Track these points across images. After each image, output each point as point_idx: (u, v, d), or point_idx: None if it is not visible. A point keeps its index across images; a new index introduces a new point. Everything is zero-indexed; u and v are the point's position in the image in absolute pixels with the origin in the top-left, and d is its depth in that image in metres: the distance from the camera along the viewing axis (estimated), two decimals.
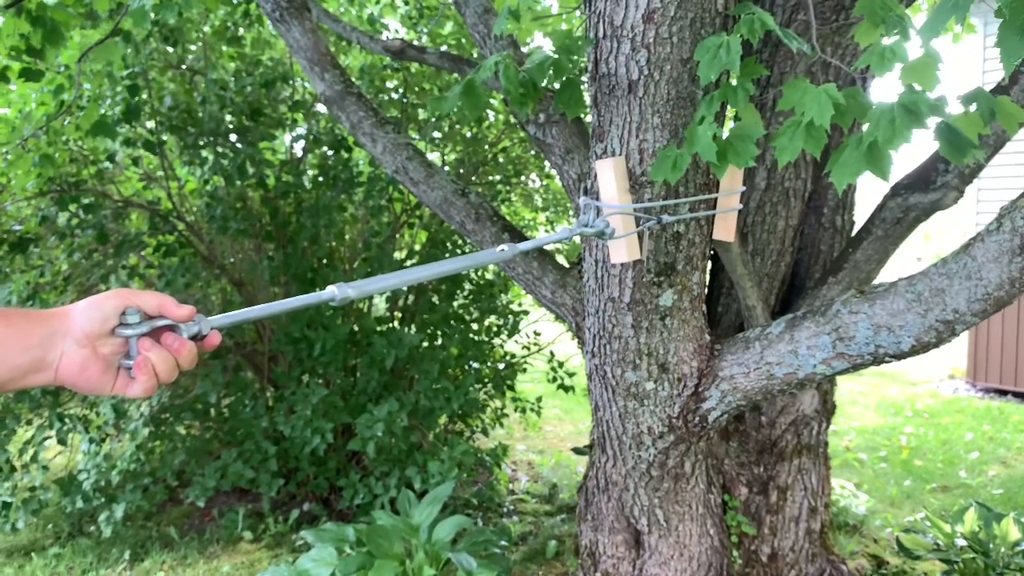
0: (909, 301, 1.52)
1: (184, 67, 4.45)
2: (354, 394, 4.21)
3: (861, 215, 2.54)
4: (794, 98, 1.52)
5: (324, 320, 4.13)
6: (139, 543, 4.05)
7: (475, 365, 4.51)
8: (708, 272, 2.67)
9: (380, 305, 4.96)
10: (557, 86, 1.89)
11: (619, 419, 2.14)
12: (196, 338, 0.90)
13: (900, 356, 1.58)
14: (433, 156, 4.93)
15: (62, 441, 3.97)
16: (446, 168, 4.71)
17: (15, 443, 3.98)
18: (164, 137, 4.25)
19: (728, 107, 1.79)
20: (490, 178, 4.92)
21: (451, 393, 3.88)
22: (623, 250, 1.80)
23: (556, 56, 1.80)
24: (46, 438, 3.92)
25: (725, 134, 1.60)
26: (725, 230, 1.90)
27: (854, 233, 2.40)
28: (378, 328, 4.08)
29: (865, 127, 1.46)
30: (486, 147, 4.87)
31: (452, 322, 4.36)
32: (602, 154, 1.87)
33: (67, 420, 3.93)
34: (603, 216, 1.77)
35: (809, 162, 2.43)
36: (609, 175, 1.79)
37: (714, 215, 1.88)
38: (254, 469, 4.09)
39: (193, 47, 4.59)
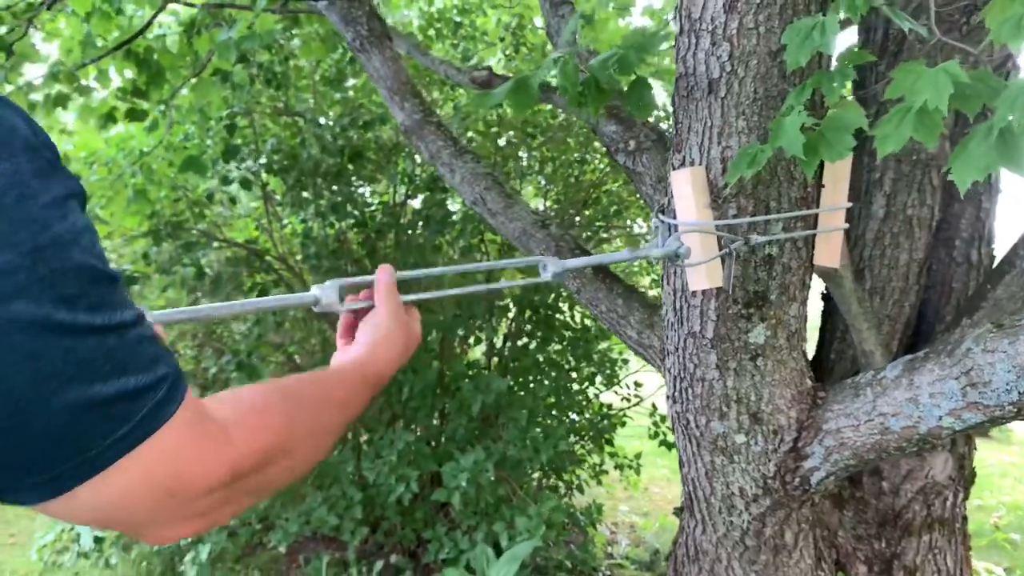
0: None
1: (293, 113, 4.52)
2: (443, 441, 4.04)
3: (1002, 248, 2.16)
4: (906, 84, 1.25)
5: (413, 362, 4.00)
6: None
7: (573, 416, 4.25)
8: (821, 313, 2.35)
9: (477, 349, 4.80)
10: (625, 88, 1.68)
11: (706, 478, 1.85)
12: None
13: None
14: (539, 202, 4.79)
15: None
16: (545, 207, 4.55)
17: None
18: (267, 178, 4.30)
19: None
20: (594, 221, 4.72)
21: (540, 444, 3.63)
22: (703, 275, 1.54)
23: (623, 52, 1.59)
24: None
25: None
26: (828, 254, 1.61)
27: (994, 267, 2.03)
28: (468, 372, 3.90)
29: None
30: (588, 190, 4.68)
31: (545, 368, 4.13)
32: (680, 166, 1.63)
33: None
34: (677, 235, 1.53)
35: (937, 186, 2.09)
36: (686, 188, 1.55)
37: (814, 235, 1.60)
38: (339, 516, 3.96)
39: (303, 94, 4.68)
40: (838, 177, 1.57)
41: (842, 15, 1.38)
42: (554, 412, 4.03)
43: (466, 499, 3.70)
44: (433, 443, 4.04)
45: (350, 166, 4.29)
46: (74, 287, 0.50)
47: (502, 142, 4.44)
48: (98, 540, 3.88)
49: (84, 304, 0.51)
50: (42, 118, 3.01)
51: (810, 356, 2.19)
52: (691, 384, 1.74)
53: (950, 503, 2.13)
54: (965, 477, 2.18)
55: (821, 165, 1.59)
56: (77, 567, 4.13)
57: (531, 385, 3.97)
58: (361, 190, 4.62)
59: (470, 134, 4.33)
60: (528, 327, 4.19)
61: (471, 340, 4.49)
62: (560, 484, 4.37)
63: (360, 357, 0.91)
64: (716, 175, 1.56)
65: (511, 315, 4.35)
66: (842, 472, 1.66)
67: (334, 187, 4.17)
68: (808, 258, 1.62)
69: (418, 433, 4.07)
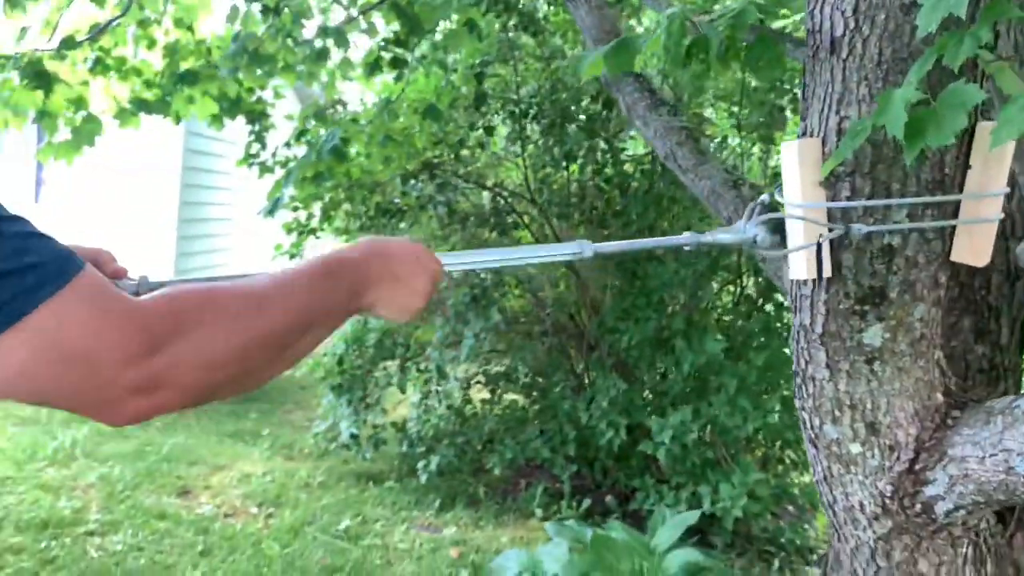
0: None
1: (548, 59, 4.60)
2: (660, 395, 4.00)
3: None
4: None
5: (637, 312, 3.97)
6: (451, 495, 4.37)
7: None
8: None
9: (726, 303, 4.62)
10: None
11: (826, 484, 1.66)
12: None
13: None
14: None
15: (401, 388, 4.49)
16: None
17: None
18: (526, 123, 4.46)
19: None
20: None
21: (748, 413, 3.45)
22: (803, 263, 1.38)
23: (741, 7, 1.42)
24: (388, 384, 4.47)
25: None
26: (972, 249, 1.32)
27: None
28: (684, 329, 3.79)
29: None
30: None
31: (781, 333, 3.87)
32: (802, 136, 1.44)
33: (406, 371, 4.43)
34: (762, 217, 1.36)
35: None
36: (793, 162, 1.37)
37: (952, 227, 1.32)
38: (552, 450, 4.15)
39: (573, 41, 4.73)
40: (991, 156, 1.27)
41: None
42: (773, 382, 3.77)
43: (673, 456, 3.66)
44: (650, 396, 4.02)
45: (603, 113, 4.30)
46: None
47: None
48: (354, 436, 4.48)
49: None
50: (306, 67, 3.44)
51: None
52: (804, 381, 1.56)
53: None
54: None
55: (969, 142, 1.31)
56: (343, 456, 4.82)
57: (749, 351, 3.75)
58: (621, 135, 4.61)
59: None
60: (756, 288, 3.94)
61: (718, 298, 4.35)
62: (787, 458, 4.12)
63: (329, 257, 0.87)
64: (831, 149, 1.36)
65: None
66: (972, 508, 1.39)
67: (581, 134, 4.21)
68: (943, 252, 1.35)
69: (638, 383, 4.08)
